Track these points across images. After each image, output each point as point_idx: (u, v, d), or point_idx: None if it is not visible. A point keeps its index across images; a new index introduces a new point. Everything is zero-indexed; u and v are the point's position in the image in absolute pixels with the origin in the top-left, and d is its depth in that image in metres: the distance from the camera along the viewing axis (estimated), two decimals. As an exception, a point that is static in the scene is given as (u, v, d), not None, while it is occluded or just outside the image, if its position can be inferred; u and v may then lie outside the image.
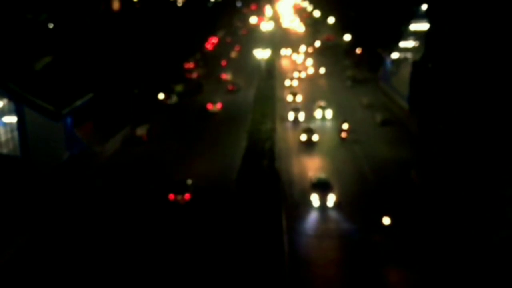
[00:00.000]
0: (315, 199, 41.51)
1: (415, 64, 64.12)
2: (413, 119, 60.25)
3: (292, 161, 52.60)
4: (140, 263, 33.66)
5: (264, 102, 72.50)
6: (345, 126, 59.17)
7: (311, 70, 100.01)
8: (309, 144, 57.04)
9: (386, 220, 37.33)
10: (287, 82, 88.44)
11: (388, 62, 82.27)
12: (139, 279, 32.00)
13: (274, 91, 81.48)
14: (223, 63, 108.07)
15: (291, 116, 66.83)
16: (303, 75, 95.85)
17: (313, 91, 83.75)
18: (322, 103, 70.20)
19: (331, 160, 52.94)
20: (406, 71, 69.04)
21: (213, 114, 70.32)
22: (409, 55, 72.36)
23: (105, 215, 40.78)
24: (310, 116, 67.41)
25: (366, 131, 61.26)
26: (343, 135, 58.90)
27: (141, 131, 59.78)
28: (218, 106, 72.42)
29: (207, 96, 79.17)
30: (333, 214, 40.55)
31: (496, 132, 40.13)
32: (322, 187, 42.26)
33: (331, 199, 41.43)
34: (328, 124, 65.77)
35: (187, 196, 42.07)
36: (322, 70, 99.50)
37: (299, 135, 58.65)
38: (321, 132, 60.41)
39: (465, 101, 42.55)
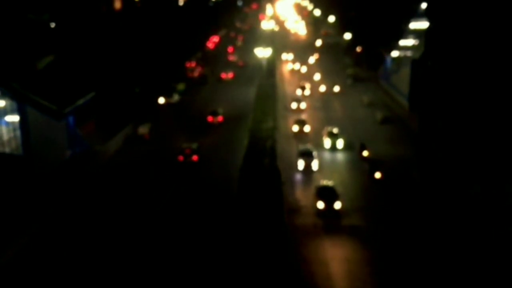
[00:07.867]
0: None
1: (415, 62, 64.36)
2: (413, 117, 60.44)
3: (306, 259, 33.32)
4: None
5: (265, 100, 72.74)
6: (365, 153, 49.46)
7: (321, 87, 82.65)
8: (329, 214, 38.80)
9: None
10: (293, 105, 70.70)
11: (388, 60, 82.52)
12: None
13: (275, 89, 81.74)
14: (230, 49, 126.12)
15: (300, 164, 48.53)
16: (307, 92, 79.72)
17: (327, 118, 66.79)
18: (331, 129, 56.73)
19: (374, 253, 33.85)
20: (406, 69, 69.30)
21: (227, 81, 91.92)
22: (409, 53, 72.57)
23: (107, 213, 41.14)
24: (324, 159, 51.63)
25: (366, 129, 61.48)
26: (378, 175, 44.86)
27: (143, 130, 60.11)
28: (230, 75, 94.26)
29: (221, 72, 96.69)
30: None
31: (496, 129, 40.41)
32: None
33: None
34: (341, 156, 52.70)
35: (220, 118, 65.08)
36: (336, 88, 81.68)
37: (314, 199, 40.36)
38: (338, 174, 46.79)
39: (464, 98, 42.81)
